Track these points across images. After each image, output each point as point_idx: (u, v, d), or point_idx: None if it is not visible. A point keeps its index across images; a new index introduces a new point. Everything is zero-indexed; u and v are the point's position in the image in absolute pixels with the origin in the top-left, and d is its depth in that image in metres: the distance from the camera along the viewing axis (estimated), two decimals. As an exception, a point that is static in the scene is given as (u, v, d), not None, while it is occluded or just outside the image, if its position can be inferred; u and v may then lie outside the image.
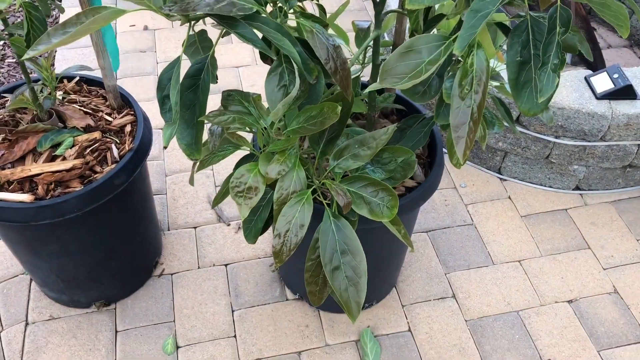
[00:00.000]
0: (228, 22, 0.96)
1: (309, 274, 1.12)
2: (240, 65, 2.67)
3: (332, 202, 1.15)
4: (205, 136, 1.13)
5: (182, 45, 1.04)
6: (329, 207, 1.14)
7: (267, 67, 2.62)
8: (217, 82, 1.04)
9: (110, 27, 1.57)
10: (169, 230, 1.99)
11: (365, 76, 1.56)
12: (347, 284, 1.07)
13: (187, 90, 1.02)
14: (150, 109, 2.42)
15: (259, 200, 1.07)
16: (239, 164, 1.21)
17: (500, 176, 2.23)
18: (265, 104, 1.12)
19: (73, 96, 1.66)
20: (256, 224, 1.21)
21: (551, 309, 1.83)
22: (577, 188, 2.18)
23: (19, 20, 2.87)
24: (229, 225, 2.01)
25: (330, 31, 1.60)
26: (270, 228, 1.28)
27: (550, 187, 2.19)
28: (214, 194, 2.11)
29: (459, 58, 1.07)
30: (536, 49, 0.95)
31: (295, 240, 1.05)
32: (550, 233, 2.04)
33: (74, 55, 2.68)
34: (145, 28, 2.87)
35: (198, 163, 1.16)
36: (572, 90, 1.98)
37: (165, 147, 0.96)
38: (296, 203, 1.06)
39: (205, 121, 1.03)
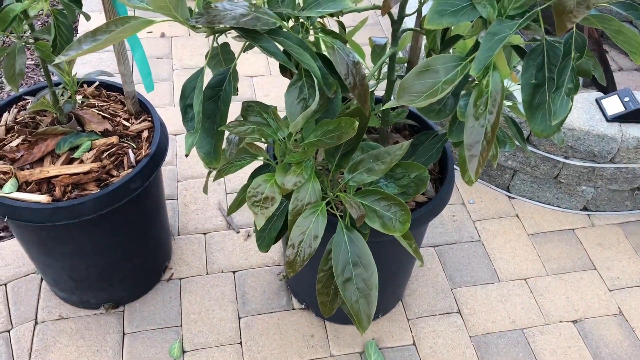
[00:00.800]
0: (252, 36, 0.99)
1: (320, 285, 1.14)
2: (254, 75, 2.70)
3: (345, 215, 1.17)
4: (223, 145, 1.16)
5: (206, 57, 1.06)
6: (341, 219, 1.16)
7: (281, 78, 2.67)
8: (237, 94, 1.07)
9: (140, 45, 1.54)
10: (179, 235, 2.01)
11: (379, 90, 1.59)
12: (358, 295, 1.09)
13: (208, 100, 1.05)
14: (166, 115, 2.45)
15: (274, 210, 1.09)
16: (254, 174, 1.24)
17: (509, 194, 2.24)
18: (281, 115, 1.15)
19: (92, 100, 1.69)
20: (269, 233, 1.23)
21: (556, 328, 1.83)
22: (585, 209, 2.20)
23: (38, 23, 2.92)
24: (238, 232, 2.03)
25: (347, 46, 1.62)
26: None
27: (558, 206, 2.20)
28: (225, 201, 2.13)
29: (475, 78, 1.09)
30: (551, 73, 0.97)
31: (309, 251, 1.07)
32: (556, 252, 2.05)
33: (92, 59, 2.72)
34: (162, 35, 2.91)
35: (215, 172, 1.18)
36: (583, 111, 1.99)
37: (186, 155, 0.98)
38: (311, 214, 1.08)
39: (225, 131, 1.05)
